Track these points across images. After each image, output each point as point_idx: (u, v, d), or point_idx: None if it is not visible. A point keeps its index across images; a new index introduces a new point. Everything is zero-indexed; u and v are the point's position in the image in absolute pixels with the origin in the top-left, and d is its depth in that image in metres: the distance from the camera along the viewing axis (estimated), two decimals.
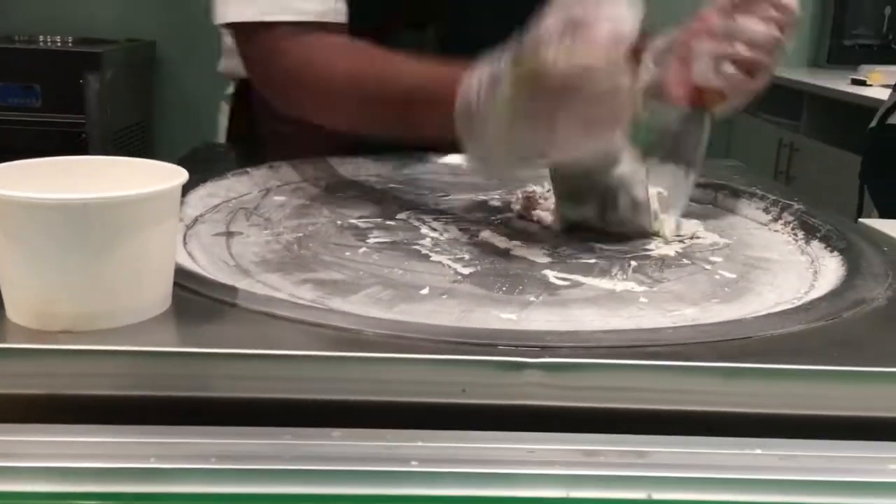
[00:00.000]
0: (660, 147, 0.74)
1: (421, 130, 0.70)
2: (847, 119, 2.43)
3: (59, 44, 2.67)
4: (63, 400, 0.42)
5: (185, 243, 0.62)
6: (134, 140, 2.63)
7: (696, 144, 0.73)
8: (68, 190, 0.42)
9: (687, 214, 0.74)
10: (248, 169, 0.80)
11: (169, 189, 0.44)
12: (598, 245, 0.66)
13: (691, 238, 0.69)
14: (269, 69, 0.80)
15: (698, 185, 0.81)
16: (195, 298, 0.48)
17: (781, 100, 2.71)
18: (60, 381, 0.42)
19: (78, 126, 2.43)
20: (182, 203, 0.67)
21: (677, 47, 0.73)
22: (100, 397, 0.42)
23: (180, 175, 0.45)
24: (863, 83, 2.41)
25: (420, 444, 0.41)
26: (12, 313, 0.43)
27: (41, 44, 2.66)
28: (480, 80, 0.57)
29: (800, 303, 0.54)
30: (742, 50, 0.68)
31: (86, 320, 0.43)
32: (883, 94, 2.19)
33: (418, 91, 0.67)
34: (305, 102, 0.77)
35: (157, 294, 0.45)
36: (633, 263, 0.62)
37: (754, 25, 0.68)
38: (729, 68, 0.69)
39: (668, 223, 0.69)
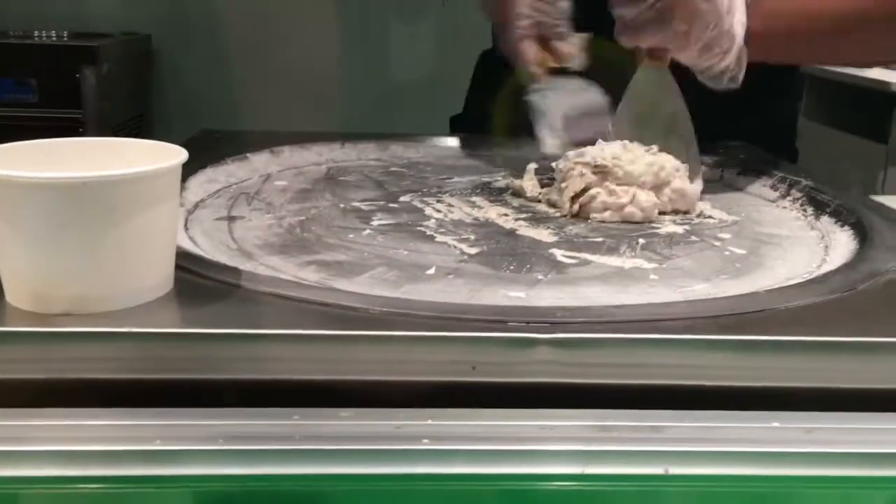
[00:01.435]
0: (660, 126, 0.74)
1: None
2: (850, 101, 2.41)
3: (54, 38, 2.65)
4: (64, 384, 0.41)
5: (186, 228, 0.61)
6: (132, 133, 2.61)
7: (683, 118, 0.74)
8: (67, 170, 0.41)
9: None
10: (248, 154, 0.79)
11: (169, 167, 0.43)
12: (605, 224, 0.66)
13: (699, 216, 0.68)
14: None
15: (704, 164, 0.80)
16: (198, 280, 0.47)
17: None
18: (61, 364, 0.41)
19: (75, 120, 2.41)
20: (183, 188, 0.66)
21: None
22: (102, 381, 0.41)
23: (180, 154, 0.44)
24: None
25: (431, 422, 0.40)
26: (11, 296, 0.42)
27: (36, 38, 2.64)
28: None
29: (812, 276, 0.53)
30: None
31: (86, 302, 0.42)
32: (883, 76, 2.18)
33: None
34: None
35: (159, 275, 0.44)
36: (641, 241, 0.62)
37: None
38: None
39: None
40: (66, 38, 2.61)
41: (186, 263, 0.48)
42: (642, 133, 0.72)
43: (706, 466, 0.39)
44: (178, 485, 0.37)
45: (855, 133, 2.30)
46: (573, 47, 0.76)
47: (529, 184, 0.73)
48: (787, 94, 1.02)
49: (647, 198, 0.66)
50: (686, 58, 0.69)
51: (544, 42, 0.77)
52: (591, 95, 0.77)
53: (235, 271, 0.49)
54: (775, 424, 0.40)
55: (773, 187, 0.75)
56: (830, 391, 0.41)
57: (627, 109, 0.75)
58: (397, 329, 0.42)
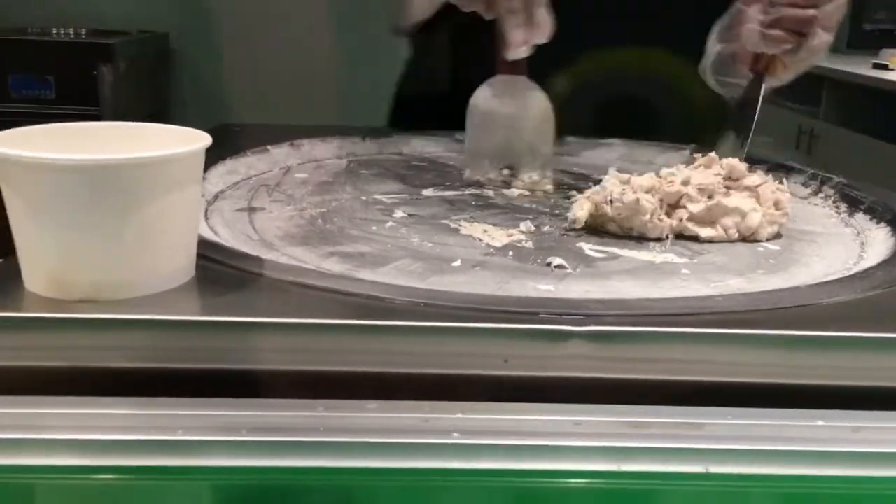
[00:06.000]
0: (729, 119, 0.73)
1: None
2: (869, 104, 2.38)
3: (72, 36, 2.66)
4: (84, 372, 0.40)
5: (206, 218, 0.60)
6: None
7: (752, 114, 0.71)
8: (88, 153, 0.40)
9: None
10: (269, 147, 0.78)
11: (193, 151, 0.42)
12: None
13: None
14: None
15: None
16: (220, 269, 0.46)
17: (800, 86, 2.66)
18: (81, 352, 0.40)
19: (92, 117, 2.42)
20: (203, 179, 0.65)
21: (736, 19, 0.72)
22: (122, 369, 0.40)
23: (203, 138, 0.43)
24: (885, 67, 2.37)
25: (460, 415, 0.38)
26: (30, 282, 0.41)
27: (54, 36, 2.65)
28: None
29: (852, 272, 0.52)
30: (784, 11, 0.66)
31: (106, 289, 0.40)
32: None
33: None
34: None
35: (181, 262, 0.43)
36: (671, 236, 0.60)
37: None
38: (774, 31, 0.66)
39: None
40: (83, 36, 2.62)
41: (208, 252, 0.47)
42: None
43: (748, 465, 0.37)
44: (200, 476, 0.36)
45: (875, 136, 2.27)
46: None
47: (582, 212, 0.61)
48: None
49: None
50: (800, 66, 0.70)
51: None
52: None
53: (258, 260, 0.48)
54: (820, 423, 0.39)
55: (805, 184, 0.73)
56: (878, 389, 0.40)
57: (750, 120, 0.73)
58: (426, 320, 0.40)
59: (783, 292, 0.46)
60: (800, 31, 0.67)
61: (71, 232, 0.39)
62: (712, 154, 0.64)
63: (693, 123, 0.88)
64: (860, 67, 2.41)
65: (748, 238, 0.59)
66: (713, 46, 0.75)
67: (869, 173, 2.13)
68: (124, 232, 0.40)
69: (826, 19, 0.68)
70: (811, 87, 2.57)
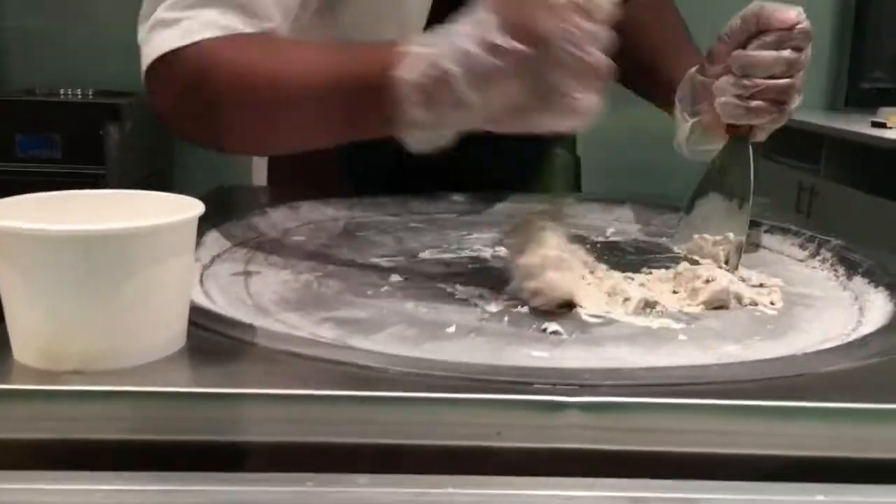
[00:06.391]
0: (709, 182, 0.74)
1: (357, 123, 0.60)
2: (868, 162, 2.40)
3: (79, 96, 2.70)
4: (73, 445, 0.39)
5: (201, 283, 0.60)
6: (154, 189, 2.63)
7: (745, 175, 0.71)
8: (82, 223, 0.40)
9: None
10: (267, 209, 0.78)
11: (184, 220, 0.42)
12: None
13: (760, 286, 0.63)
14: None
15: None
16: (211, 337, 0.46)
17: (800, 144, 2.69)
18: (70, 424, 0.39)
19: (98, 176, 2.44)
20: (199, 244, 0.65)
21: (701, 93, 0.72)
22: (111, 441, 0.39)
23: (196, 207, 0.43)
24: (883, 125, 2.39)
25: (451, 489, 0.38)
26: (19, 353, 0.41)
27: (62, 96, 2.69)
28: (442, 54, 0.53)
29: (849, 339, 0.51)
30: (762, 82, 0.67)
31: (96, 359, 0.40)
32: None
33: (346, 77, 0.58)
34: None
35: (172, 332, 0.43)
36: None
37: (768, 55, 0.67)
38: (756, 103, 0.67)
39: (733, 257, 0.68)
40: (91, 96, 2.66)
41: (200, 319, 0.47)
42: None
43: None
44: None
45: (875, 193, 2.27)
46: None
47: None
48: None
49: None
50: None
51: None
52: None
53: (250, 328, 0.47)
54: (820, 497, 0.38)
55: (802, 246, 0.73)
56: (879, 462, 0.39)
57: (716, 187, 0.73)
58: (418, 390, 0.40)
59: (780, 361, 0.46)
60: (779, 100, 0.68)
61: (60, 303, 0.39)
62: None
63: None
64: (859, 126, 2.43)
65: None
66: (683, 121, 0.75)
67: (869, 231, 2.14)
68: (115, 302, 0.40)
69: (800, 82, 0.69)
70: (811, 145, 2.60)
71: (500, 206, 0.87)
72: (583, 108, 0.52)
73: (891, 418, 0.40)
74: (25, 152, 2.46)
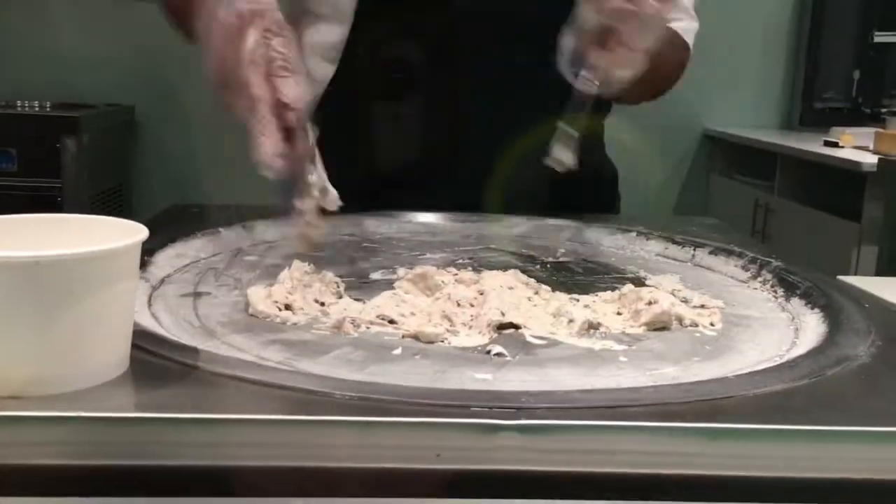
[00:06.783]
0: None
1: None
2: (820, 180, 2.46)
3: (37, 108, 2.67)
4: (11, 471, 0.39)
5: (149, 304, 0.60)
6: (111, 203, 2.61)
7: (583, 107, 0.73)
8: (23, 248, 0.40)
9: (664, 272, 0.74)
10: (220, 228, 0.78)
11: (126, 246, 0.42)
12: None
13: (701, 307, 0.65)
14: None
15: (675, 243, 0.81)
16: (154, 361, 0.46)
17: (755, 161, 2.75)
18: (9, 450, 0.39)
19: (54, 190, 2.41)
20: (150, 263, 0.66)
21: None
22: (51, 467, 0.39)
23: (139, 232, 0.44)
24: (835, 145, 2.45)
25: None
26: None
27: (19, 108, 2.65)
28: None
29: (782, 360, 0.53)
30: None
31: (36, 385, 0.40)
32: (855, 156, 2.23)
33: None
34: None
35: (114, 356, 0.43)
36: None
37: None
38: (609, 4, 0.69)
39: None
40: (48, 109, 2.63)
41: (144, 342, 0.47)
42: None
43: None
44: None
45: (828, 211, 2.33)
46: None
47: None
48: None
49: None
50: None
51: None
52: None
53: (194, 351, 0.48)
54: None
55: (745, 268, 0.75)
56: (801, 481, 0.40)
57: None
58: (358, 414, 0.41)
59: (711, 383, 0.47)
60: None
61: (1, 329, 0.39)
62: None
63: None
64: (812, 145, 2.49)
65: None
66: (567, 44, 0.75)
67: (820, 247, 2.18)
68: (56, 328, 0.40)
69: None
70: (766, 163, 2.66)
71: (457, 226, 0.88)
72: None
73: (816, 438, 0.41)
74: None
